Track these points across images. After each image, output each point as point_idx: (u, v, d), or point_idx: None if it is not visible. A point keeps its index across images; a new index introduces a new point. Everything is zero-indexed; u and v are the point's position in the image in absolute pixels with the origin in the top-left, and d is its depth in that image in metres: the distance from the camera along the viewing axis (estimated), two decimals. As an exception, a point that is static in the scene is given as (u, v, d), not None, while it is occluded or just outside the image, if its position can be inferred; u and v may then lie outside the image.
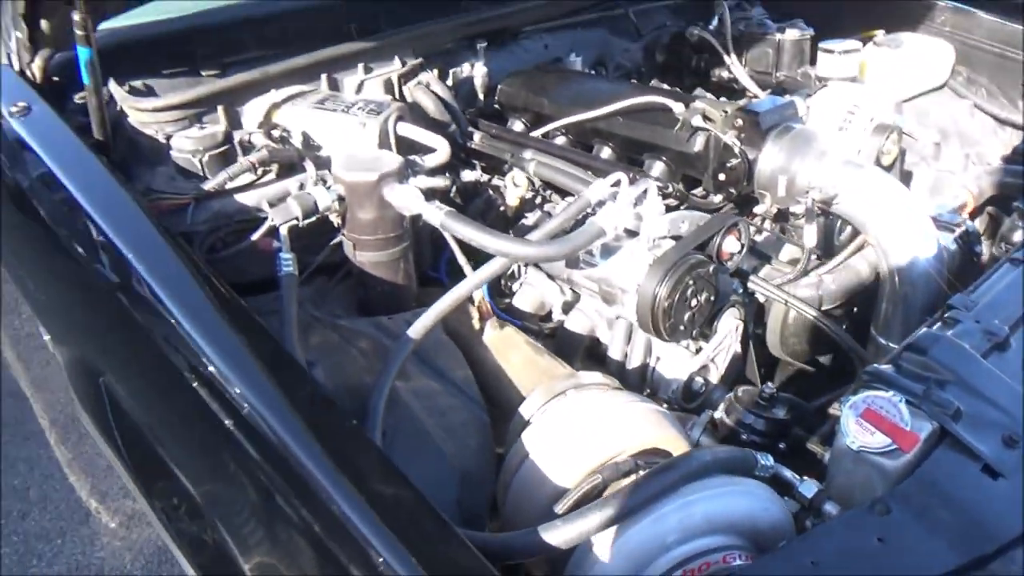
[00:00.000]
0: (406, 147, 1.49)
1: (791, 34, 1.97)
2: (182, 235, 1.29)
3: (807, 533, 0.89)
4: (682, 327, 1.22)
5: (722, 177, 1.44)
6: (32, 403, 2.57)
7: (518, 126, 1.81)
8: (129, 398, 1.17)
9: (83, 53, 1.26)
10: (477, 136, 1.69)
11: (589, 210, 1.25)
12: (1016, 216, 1.60)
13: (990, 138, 1.95)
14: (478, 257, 1.32)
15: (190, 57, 1.64)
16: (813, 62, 1.95)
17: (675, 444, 1.02)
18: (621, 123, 1.60)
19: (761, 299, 1.46)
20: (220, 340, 0.98)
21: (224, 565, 1.00)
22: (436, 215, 1.22)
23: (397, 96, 1.73)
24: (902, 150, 1.64)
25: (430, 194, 1.33)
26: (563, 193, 1.58)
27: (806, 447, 1.11)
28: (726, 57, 2.01)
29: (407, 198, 1.27)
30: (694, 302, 1.22)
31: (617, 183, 1.22)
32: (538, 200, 1.59)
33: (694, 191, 1.54)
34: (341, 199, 1.32)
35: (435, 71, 1.78)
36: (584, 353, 1.45)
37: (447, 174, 1.50)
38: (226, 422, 0.92)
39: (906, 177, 1.79)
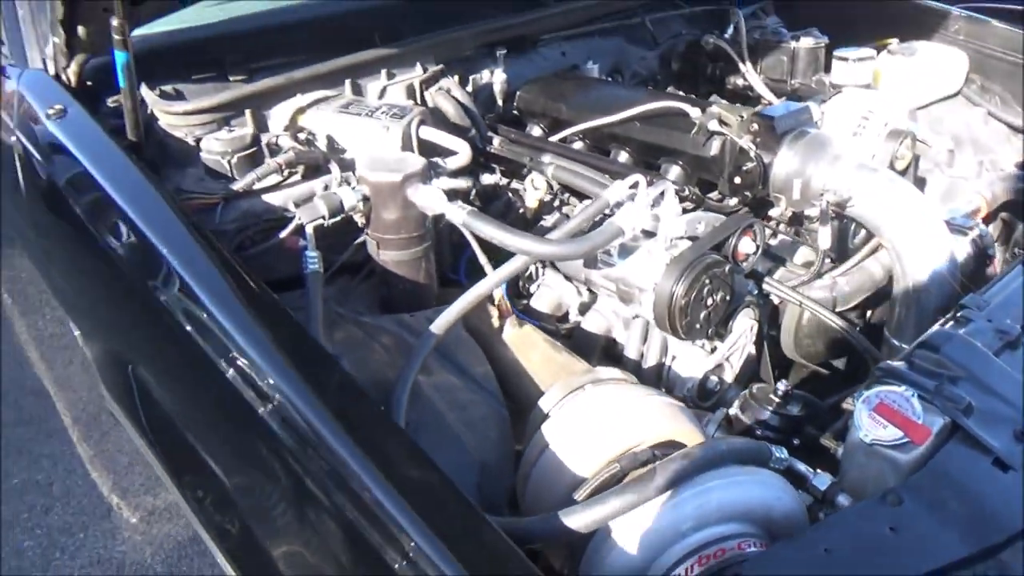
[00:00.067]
0: (428, 150, 1.53)
1: (806, 42, 2.00)
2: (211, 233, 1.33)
3: (821, 522, 0.91)
4: (698, 325, 1.25)
5: (738, 180, 1.47)
6: (55, 401, 2.62)
7: (536, 131, 1.84)
8: (160, 388, 1.21)
9: (120, 57, 1.31)
10: (496, 140, 1.72)
11: (607, 211, 1.29)
12: (1030, 221, 1.62)
13: (1004, 145, 1.96)
14: (498, 258, 1.35)
15: (218, 63, 1.68)
16: (828, 70, 1.97)
17: (691, 437, 1.04)
18: (638, 128, 1.63)
19: (775, 301, 1.48)
20: (251, 331, 1.01)
21: (254, 551, 1.03)
22: (458, 214, 1.26)
23: (419, 101, 1.77)
24: (916, 156, 1.66)
25: (452, 195, 1.37)
26: (581, 196, 1.61)
27: (819, 443, 1.13)
28: (741, 65, 2.04)
29: (430, 198, 1.30)
30: (710, 301, 1.25)
31: (635, 185, 1.25)
32: (556, 203, 1.62)
33: (710, 195, 1.57)
34: (366, 199, 1.35)
35: (456, 77, 1.82)
36: (600, 353, 1.48)
37: (468, 176, 1.54)
38: (259, 410, 0.95)
39: (920, 183, 1.81)
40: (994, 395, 0.98)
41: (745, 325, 1.36)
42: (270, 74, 1.65)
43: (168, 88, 1.62)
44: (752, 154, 1.44)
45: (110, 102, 1.57)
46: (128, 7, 1.32)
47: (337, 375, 0.96)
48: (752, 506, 0.91)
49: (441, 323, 1.20)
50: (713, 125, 1.49)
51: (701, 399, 1.34)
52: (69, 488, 2.28)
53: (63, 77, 1.59)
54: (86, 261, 1.43)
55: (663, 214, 1.25)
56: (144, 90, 1.55)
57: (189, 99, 1.60)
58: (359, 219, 1.40)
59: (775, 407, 1.17)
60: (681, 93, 1.95)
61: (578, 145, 1.76)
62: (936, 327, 1.10)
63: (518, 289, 1.58)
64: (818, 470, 1.01)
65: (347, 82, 1.71)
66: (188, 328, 1.10)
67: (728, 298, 1.29)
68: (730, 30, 2.12)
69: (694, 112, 1.54)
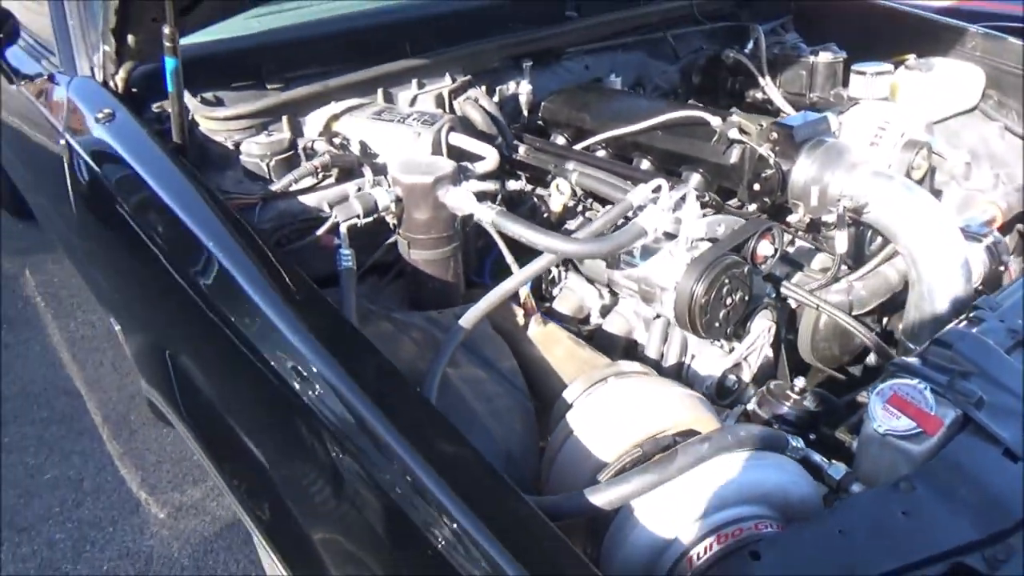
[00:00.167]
0: (457, 155, 1.59)
1: (824, 57, 2.05)
2: None
3: (835, 506, 0.94)
4: (717, 324, 1.29)
5: (757, 187, 1.51)
6: (86, 401, 2.69)
7: (560, 140, 1.90)
8: (201, 375, 1.26)
9: (169, 63, 1.38)
10: (522, 149, 1.78)
11: (630, 214, 1.34)
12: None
13: (1020, 159, 1.99)
14: (523, 260, 1.40)
15: (256, 72, 1.76)
16: (846, 84, 2.01)
17: (711, 427, 1.08)
18: (660, 136, 1.68)
19: (793, 305, 1.52)
20: (292, 318, 1.07)
21: (294, 533, 1.07)
22: (487, 214, 1.31)
23: (447, 110, 1.84)
24: (932, 167, 1.70)
25: (480, 197, 1.42)
26: (604, 202, 1.67)
27: (835, 438, 1.17)
28: (760, 78, 2.09)
29: (460, 199, 1.36)
30: (729, 300, 1.29)
31: (657, 188, 1.30)
32: (580, 208, 1.67)
33: (729, 202, 1.61)
34: (398, 200, 1.41)
35: (483, 88, 1.88)
36: (621, 353, 1.51)
37: (495, 181, 1.59)
38: (299, 394, 1.00)
39: (936, 195, 1.84)
40: (1005, 390, 1.01)
41: (763, 326, 1.40)
42: (306, 82, 1.72)
43: (209, 95, 1.70)
44: (771, 162, 1.49)
45: (154, 108, 1.64)
46: (177, 17, 1.39)
47: (376, 360, 1.00)
48: (769, 489, 0.95)
49: (469, 318, 1.25)
50: (733, 134, 1.54)
51: (719, 397, 1.38)
52: (99, 484, 2.34)
53: (111, 84, 1.67)
54: (130, 257, 1.50)
55: (684, 216, 1.29)
56: (187, 96, 1.63)
57: (229, 105, 1.67)
58: (391, 220, 1.46)
59: (792, 403, 1.20)
60: (701, 105, 2.00)
61: (601, 154, 1.82)
62: (949, 326, 1.13)
63: (541, 292, 1.62)
64: (833, 460, 1.04)
65: (379, 91, 1.78)
66: (231, 317, 1.15)
67: (746, 298, 1.33)
68: (750, 45, 2.17)
69: (715, 121, 1.59)
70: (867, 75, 1.91)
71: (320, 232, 1.38)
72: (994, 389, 1.01)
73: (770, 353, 1.50)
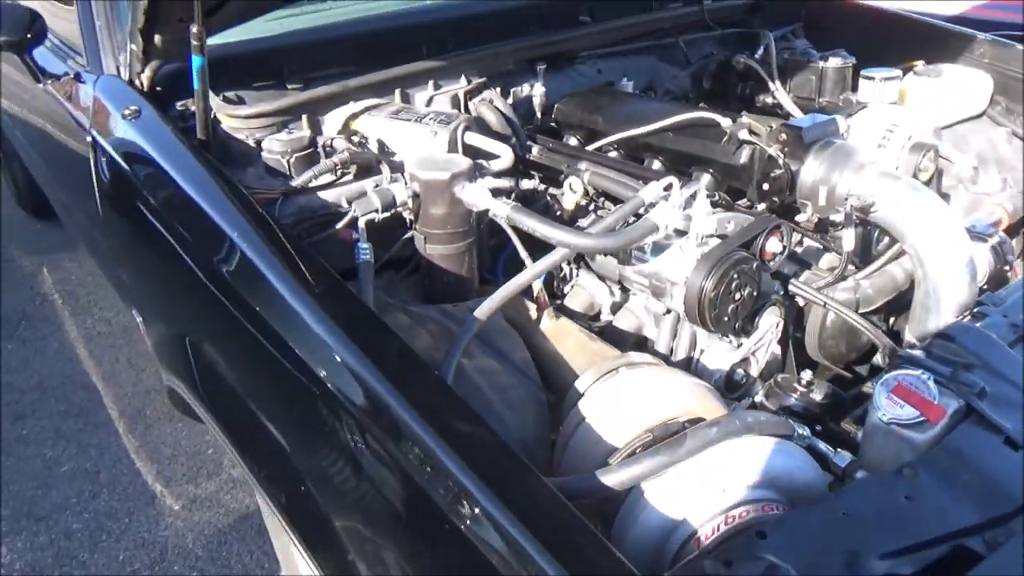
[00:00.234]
0: (472, 154, 1.62)
1: (833, 62, 2.08)
2: None
3: (840, 490, 0.97)
4: (726, 318, 1.32)
5: (766, 187, 1.54)
6: (102, 395, 2.74)
7: (573, 142, 1.94)
8: (223, 362, 1.30)
9: (196, 61, 1.43)
10: (535, 149, 1.82)
11: (642, 210, 1.37)
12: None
13: (1026, 163, 2.01)
14: (536, 257, 1.43)
15: (277, 72, 1.80)
16: (855, 89, 2.04)
17: (719, 415, 1.11)
18: (671, 138, 1.71)
19: (801, 303, 1.54)
20: (314, 304, 1.10)
21: (317, 517, 1.10)
22: (502, 208, 1.35)
23: (463, 110, 1.87)
24: (939, 170, 1.72)
25: (495, 193, 1.46)
26: (616, 201, 1.70)
27: (840, 428, 1.20)
28: (771, 83, 2.12)
29: (476, 195, 1.40)
30: (737, 295, 1.32)
31: (668, 186, 1.34)
32: (592, 207, 1.70)
33: (739, 202, 1.64)
34: (415, 196, 1.45)
35: (498, 89, 1.92)
36: (631, 348, 1.54)
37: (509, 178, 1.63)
38: (322, 378, 1.03)
39: (944, 199, 1.86)
40: (1007, 381, 1.04)
41: (771, 322, 1.43)
42: (325, 83, 1.77)
43: (231, 94, 1.74)
44: (780, 162, 1.52)
45: (178, 106, 1.69)
46: (203, 17, 1.44)
47: (397, 345, 1.04)
48: (776, 473, 0.97)
49: (485, 308, 1.28)
50: (743, 135, 1.57)
51: (728, 390, 1.40)
52: (115, 476, 2.39)
53: (136, 82, 1.71)
54: (154, 248, 1.54)
55: (695, 213, 1.32)
56: (209, 95, 1.67)
57: (250, 104, 1.72)
58: (408, 215, 1.49)
59: (799, 395, 1.23)
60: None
61: (613, 155, 1.85)
62: (953, 321, 1.16)
63: (552, 290, 1.66)
64: (838, 449, 1.07)
65: (397, 91, 1.82)
66: (254, 305, 1.19)
67: (755, 294, 1.35)
68: (760, 51, 2.20)
69: (725, 122, 1.62)
70: (876, 80, 1.94)
71: (339, 226, 1.42)
72: (996, 380, 1.03)
73: (777, 350, 1.53)
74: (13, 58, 2.40)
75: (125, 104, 1.64)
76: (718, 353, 1.41)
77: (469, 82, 1.91)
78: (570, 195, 1.65)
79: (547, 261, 1.35)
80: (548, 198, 1.73)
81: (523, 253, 1.45)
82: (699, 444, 0.94)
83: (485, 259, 1.67)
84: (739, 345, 1.42)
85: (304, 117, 1.72)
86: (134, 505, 2.28)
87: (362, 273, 1.37)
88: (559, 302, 1.64)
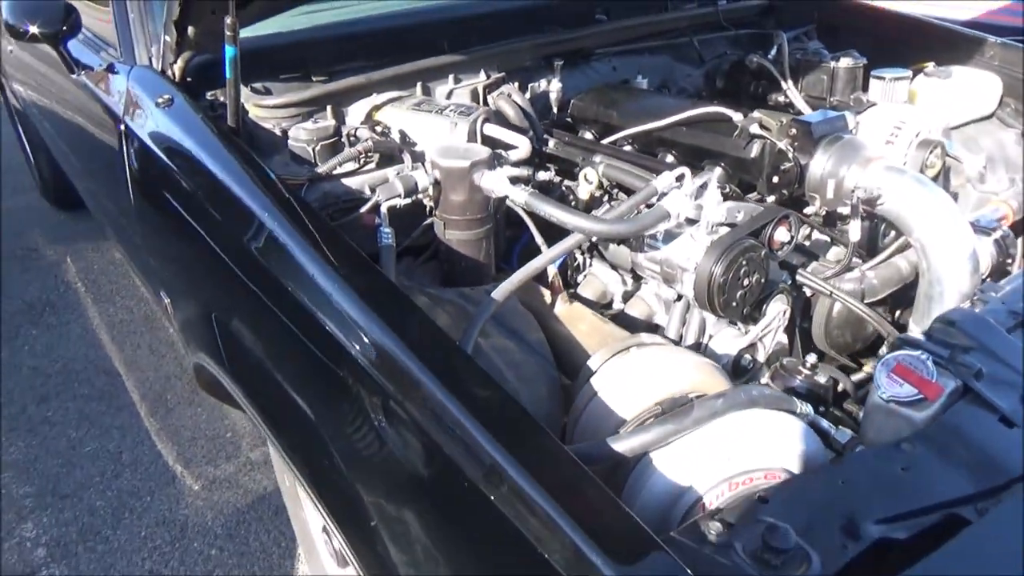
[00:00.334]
0: (490, 145, 1.67)
1: (845, 62, 2.12)
2: None
3: (839, 460, 1.02)
4: (734, 303, 1.36)
5: (775, 180, 1.59)
6: (124, 380, 2.81)
7: (588, 136, 1.99)
8: (252, 336, 1.36)
9: (229, 51, 1.49)
10: (551, 142, 1.87)
11: (654, 199, 1.42)
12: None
13: (1034, 164, 2.05)
14: (552, 244, 1.48)
15: (303, 65, 1.87)
16: (865, 89, 2.08)
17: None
18: (684, 132, 1.76)
19: (808, 294, 1.59)
20: (340, 280, 1.16)
21: (344, 490, 1.14)
22: (520, 195, 1.40)
23: (482, 104, 1.93)
24: (947, 167, 1.76)
25: (513, 182, 1.51)
26: (630, 192, 1.75)
27: (843, 410, 1.24)
28: (783, 82, 2.16)
29: (495, 182, 1.45)
30: (746, 281, 1.37)
31: (681, 176, 1.39)
32: (606, 198, 1.75)
33: (749, 195, 1.69)
34: (436, 183, 1.51)
35: (516, 84, 1.98)
36: (642, 335, 1.60)
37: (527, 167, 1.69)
38: (349, 351, 1.08)
39: (952, 198, 1.90)
40: (1004, 364, 1.08)
41: (778, 309, 1.47)
42: (349, 75, 1.83)
43: (258, 85, 1.81)
44: (790, 156, 1.56)
45: (208, 96, 1.76)
46: (236, 10, 1.50)
47: (420, 318, 1.09)
48: (778, 445, 1.02)
49: (501, 291, 1.33)
50: (754, 129, 1.62)
51: (735, 375, 1.44)
52: (137, 457, 2.46)
53: (168, 73, 1.78)
54: (185, 231, 1.60)
55: (705, 202, 1.37)
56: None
57: (277, 95, 1.78)
58: (428, 202, 1.55)
59: (804, 377, 1.28)
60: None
61: (627, 148, 1.90)
62: (954, 307, 1.20)
63: (566, 279, 1.71)
64: (840, 427, 1.12)
65: (418, 84, 1.88)
66: (282, 281, 1.25)
67: (763, 281, 1.40)
68: (773, 51, 2.25)
69: (736, 117, 1.67)
70: (886, 80, 1.98)
71: (363, 210, 1.48)
72: (993, 363, 1.07)
73: (784, 340, 1.57)
74: (40, 54, 2.49)
75: (158, 93, 1.70)
76: (726, 339, 1.46)
77: (488, 77, 1.97)
78: (585, 186, 1.70)
79: (563, 246, 1.40)
80: (563, 189, 1.78)
81: (539, 239, 1.50)
82: (705, 415, 0.99)
83: (501, 248, 1.72)
84: (746, 331, 1.46)
85: (329, 108, 1.78)
86: (155, 484, 2.35)
87: (384, 256, 1.42)
88: (573, 291, 1.69)
